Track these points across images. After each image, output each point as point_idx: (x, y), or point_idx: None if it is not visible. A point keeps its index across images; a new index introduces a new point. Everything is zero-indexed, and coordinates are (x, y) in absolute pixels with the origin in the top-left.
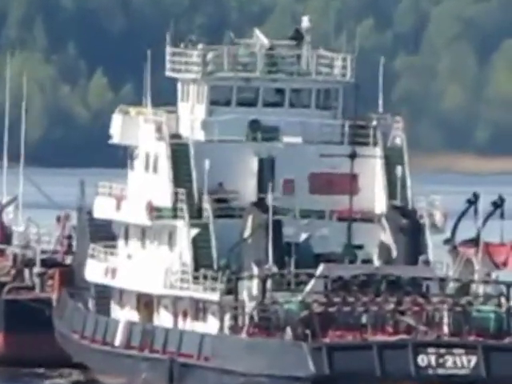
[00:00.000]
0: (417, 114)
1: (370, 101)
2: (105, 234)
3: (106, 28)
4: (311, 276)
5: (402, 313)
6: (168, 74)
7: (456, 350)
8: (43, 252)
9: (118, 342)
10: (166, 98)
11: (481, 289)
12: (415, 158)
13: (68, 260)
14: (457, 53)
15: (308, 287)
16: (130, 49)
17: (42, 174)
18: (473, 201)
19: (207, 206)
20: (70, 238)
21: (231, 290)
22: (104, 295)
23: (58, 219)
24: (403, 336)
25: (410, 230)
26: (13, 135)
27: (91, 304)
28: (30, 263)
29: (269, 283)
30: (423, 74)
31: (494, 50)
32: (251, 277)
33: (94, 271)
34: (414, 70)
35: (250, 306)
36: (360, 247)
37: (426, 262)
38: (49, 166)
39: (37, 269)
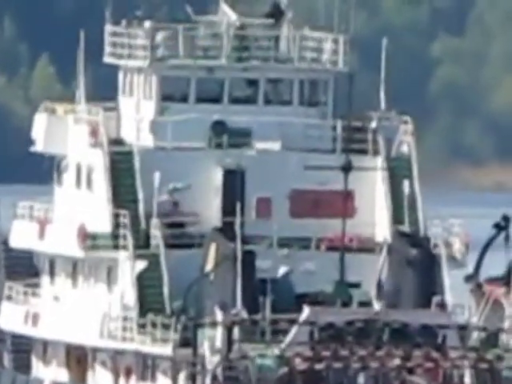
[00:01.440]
0: (460, 113)
1: (402, 99)
2: (25, 268)
3: (54, 3)
4: (293, 322)
5: (411, 371)
6: (106, 60)
7: None
8: None
9: None
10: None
11: None
12: (457, 171)
13: None
14: None
15: (288, 337)
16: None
17: None
18: (502, 226)
19: (157, 233)
20: None
21: (188, 342)
22: (23, 348)
23: None
24: None
25: (422, 263)
26: None
27: (7, 359)
28: None
29: (236, 332)
30: (470, 61)
31: None
32: (214, 324)
33: (10, 317)
34: (457, 56)
35: (212, 361)
36: (356, 286)
37: (442, 306)
38: None
39: None
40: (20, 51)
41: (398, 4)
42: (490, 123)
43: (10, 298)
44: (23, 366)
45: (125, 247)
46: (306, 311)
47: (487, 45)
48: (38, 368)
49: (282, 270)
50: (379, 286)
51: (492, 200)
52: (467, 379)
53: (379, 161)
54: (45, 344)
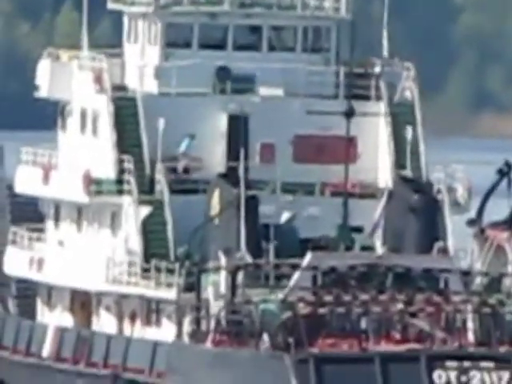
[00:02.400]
0: (486, 60)
1: (426, 44)
2: (30, 213)
3: None
4: (296, 267)
5: (414, 315)
6: (110, 5)
7: (484, 364)
8: None
9: (46, 352)
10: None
11: None
12: (484, 119)
13: None
14: None
15: (292, 282)
16: None
17: None
18: (505, 171)
19: (161, 178)
20: None
21: (192, 287)
22: (28, 293)
23: None
24: (414, 345)
25: (424, 208)
26: None
27: (12, 304)
28: None
29: (240, 277)
30: (494, 6)
31: None
32: (218, 269)
33: (15, 262)
34: (481, 3)
35: (216, 306)
36: (359, 230)
37: (445, 250)
38: None
39: None
40: None
41: None
42: None
43: (14, 242)
44: (28, 312)
45: (129, 192)
46: (309, 256)
47: None
48: (42, 313)
49: (285, 216)
50: (374, 227)
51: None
52: (470, 323)
53: (382, 106)
54: (49, 289)
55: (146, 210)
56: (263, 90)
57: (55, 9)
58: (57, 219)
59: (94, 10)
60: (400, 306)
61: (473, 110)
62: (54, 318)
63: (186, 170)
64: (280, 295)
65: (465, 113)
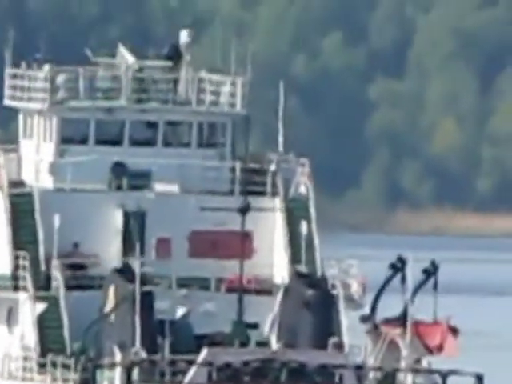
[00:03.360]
0: (398, 157)
1: (339, 142)
2: None
3: None
4: (191, 363)
5: None
6: (6, 102)
7: None
8: None
9: None
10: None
11: (409, 380)
12: (398, 216)
13: None
14: (452, 76)
15: (187, 378)
16: None
17: None
18: (398, 267)
19: (57, 275)
20: None
21: (87, 382)
22: None
23: None
24: None
25: (319, 303)
26: None
27: None
28: None
29: (136, 373)
30: (407, 104)
31: (498, 72)
32: (113, 365)
33: None
34: (395, 98)
35: None
36: (254, 326)
37: (339, 346)
38: None
39: None
40: None
41: (335, 46)
42: (427, 168)
43: None
44: None
45: (25, 288)
46: (205, 352)
47: (425, 87)
48: None
49: (180, 311)
50: (273, 323)
51: (434, 244)
52: None
53: (277, 202)
54: None
55: (41, 306)
56: (159, 186)
57: None
58: None
59: None
60: None
61: (387, 206)
62: None
63: (82, 267)
64: None
65: (380, 209)
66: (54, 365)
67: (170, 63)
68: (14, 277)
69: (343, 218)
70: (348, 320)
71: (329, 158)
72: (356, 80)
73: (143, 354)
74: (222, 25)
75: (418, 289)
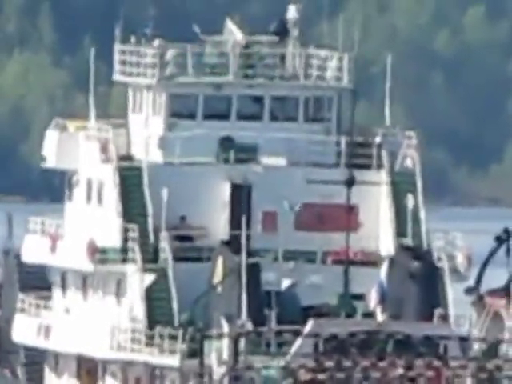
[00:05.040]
0: None
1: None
2: (37, 282)
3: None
4: (297, 334)
5: (413, 380)
6: (116, 78)
7: None
8: None
9: None
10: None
11: None
12: None
13: None
14: None
15: (293, 349)
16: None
17: None
18: (504, 238)
19: (166, 247)
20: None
21: (195, 353)
22: (36, 360)
23: None
24: None
25: (424, 276)
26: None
27: (20, 372)
28: None
29: (242, 344)
30: None
31: None
32: (221, 335)
33: (23, 330)
34: None
35: (218, 372)
36: (360, 297)
37: (444, 317)
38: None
39: None
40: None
41: (478, 20)
42: None
43: (23, 310)
44: (36, 378)
45: (134, 261)
46: (311, 323)
47: None
48: (50, 380)
49: (286, 283)
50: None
51: None
52: None
53: (383, 175)
54: (56, 356)
55: (150, 278)
56: (266, 159)
57: (110, 82)
58: (63, 287)
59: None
60: (400, 371)
61: None
62: None
63: (190, 238)
64: (281, 362)
65: None
66: (161, 336)
67: (276, 38)
68: (124, 249)
69: (484, 192)
70: (453, 292)
71: (471, 132)
72: (498, 55)
73: (250, 326)
74: (363, 1)
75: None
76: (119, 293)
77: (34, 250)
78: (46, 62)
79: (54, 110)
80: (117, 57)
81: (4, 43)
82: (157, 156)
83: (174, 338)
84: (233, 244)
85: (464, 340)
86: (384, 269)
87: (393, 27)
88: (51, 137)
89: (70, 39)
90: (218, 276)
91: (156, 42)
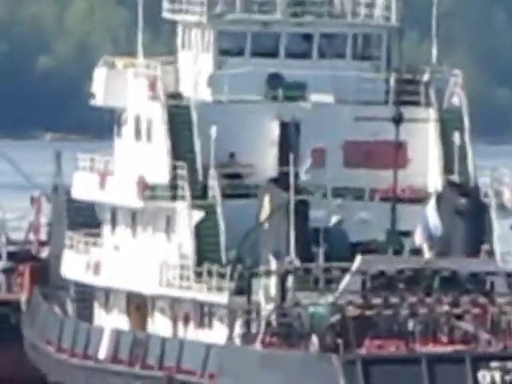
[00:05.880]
0: None
1: None
2: (86, 219)
3: None
4: (345, 271)
5: (459, 317)
6: (165, 15)
7: None
8: (11, 242)
9: (102, 355)
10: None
11: None
12: None
13: (45, 253)
14: None
15: (341, 285)
16: None
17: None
18: None
19: (214, 184)
20: (49, 225)
21: (243, 290)
22: (86, 296)
23: (32, 201)
24: (460, 346)
25: (471, 211)
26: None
27: (70, 307)
28: None
29: (290, 281)
30: None
31: None
32: (268, 273)
33: (72, 266)
34: None
35: (266, 309)
36: (407, 234)
37: (491, 253)
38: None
39: (1, 263)
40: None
41: None
42: None
43: (71, 247)
44: (86, 315)
45: (183, 198)
46: (358, 260)
47: None
48: (99, 316)
49: (335, 220)
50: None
51: None
52: None
53: (431, 112)
54: (106, 292)
55: (198, 215)
56: (314, 97)
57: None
58: (112, 224)
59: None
60: (446, 308)
61: None
62: (111, 321)
63: (239, 176)
64: (329, 298)
65: None
66: (210, 273)
67: None
68: (173, 186)
69: None
70: (500, 228)
71: None
72: None
73: (297, 263)
74: None
75: None
76: (168, 229)
77: (83, 187)
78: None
79: (118, 47)
80: None
81: None
82: (205, 94)
83: (222, 275)
84: (281, 181)
85: (510, 276)
86: (430, 205)
87: None
88: (99, 74)
89: None
90: (265, 213)
91: None
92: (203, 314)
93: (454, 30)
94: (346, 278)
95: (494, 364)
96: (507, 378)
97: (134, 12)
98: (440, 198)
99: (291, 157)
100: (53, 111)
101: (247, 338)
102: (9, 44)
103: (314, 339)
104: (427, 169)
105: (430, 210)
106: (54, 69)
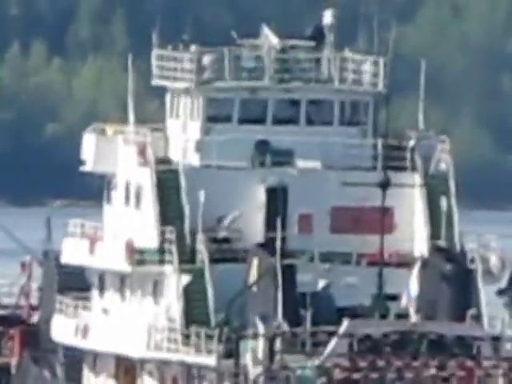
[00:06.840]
0: None
1: None
2: (76, 283)
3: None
4: (332, 334)
5: (446, 380)
6: (154, 82)
7: None
8: (1, 307)
9: None
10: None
11: None
12: None
13: (35, 317)
14: None
15: (328, 349)
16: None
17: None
18: None
19: (202, 248)
20: (39, 289)
21: (231, 353)
22: (75, 359)
23: (23, 266)
24: None
25: (457, 277)
26: None
27: (59, 371)
28: None
29: (278, 344)
30: None
31: None
32: (256, 336)
33: (62, 330)
34: None
35: (254, 372)
36: (394, 298)
37: (477, 318)
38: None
39: None
40: None
41: None
42: None
43: (61, 311)
44: (75, 378)
45: (171, 262)
46: (345, 324)
47: None
48: (88, 379)
49: (321, 283)
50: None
51: None
52: None
53: (417, 178)
54: (95, 355)
55: (186, 279)
56: (301, 163)
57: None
58: (101, 288)
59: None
60: (433, 371)
61: None
62: None
63: (227, 240)
64: (316, 362)
65: None
66: (198, 336)
67: (312, 43)
68: (161, 250)
69: None
70: (486, 293)
71: None
72: None
73: (285, 326)
74: (436, 5)
75: None
76: (156, 293)
77: (73, 252)
78: (118, 68)
79: (126, 115)
80: (155, 62)
81: (79, 49)
82: (194, 159)
83: (210, 337)
84: (268, 246)
85: (496, 340)
86: (415, 270)
87: (465, 33)
88: (89, 140)
89: (142, 45)
90: (253, 277)
91: (193, 48)
92: (191, 376)
93: (461, 97)
94: (333, 341)
95: None
96: None
97: (142, 79)
98: (426, 263)
99: (278, 222)
100: (61, 178)
101: None
102: (17, 112)
103: None
104: (414, 233)
105: (414, 275)
106: (62, 135)
